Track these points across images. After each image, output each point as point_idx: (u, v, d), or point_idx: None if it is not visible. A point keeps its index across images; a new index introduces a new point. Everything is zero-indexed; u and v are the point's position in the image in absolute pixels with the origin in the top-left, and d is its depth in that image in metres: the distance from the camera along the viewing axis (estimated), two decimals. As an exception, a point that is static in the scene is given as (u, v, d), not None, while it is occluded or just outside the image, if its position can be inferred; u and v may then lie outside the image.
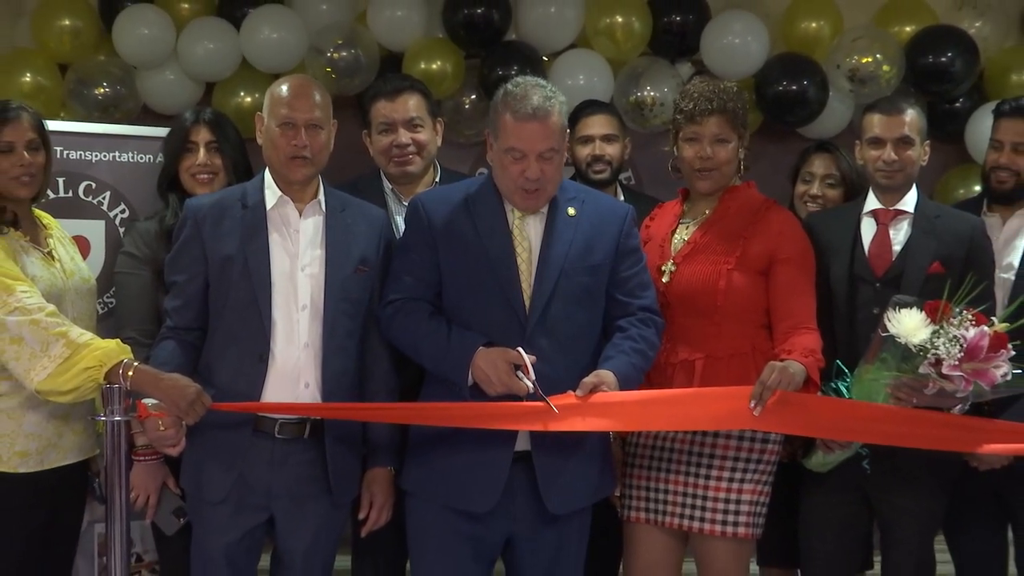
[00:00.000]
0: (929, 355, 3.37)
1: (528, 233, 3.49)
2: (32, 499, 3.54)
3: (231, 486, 3.45)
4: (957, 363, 3.34)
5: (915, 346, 3.38)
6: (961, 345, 3.33)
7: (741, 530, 3.63)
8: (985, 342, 3.35)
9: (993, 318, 3.47)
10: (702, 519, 3.65)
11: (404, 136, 3.97)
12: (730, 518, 3.63)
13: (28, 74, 5.22)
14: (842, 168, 4.36)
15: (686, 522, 3.67)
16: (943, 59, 5.24)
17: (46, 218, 3.75)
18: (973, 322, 3.37)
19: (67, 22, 5.32)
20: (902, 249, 3.81)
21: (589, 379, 3.34)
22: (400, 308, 3.50)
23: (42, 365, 3.32)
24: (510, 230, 3.48)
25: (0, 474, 3.47)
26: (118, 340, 3.46)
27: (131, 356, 3.37)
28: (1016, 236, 3.98)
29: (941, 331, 3.37)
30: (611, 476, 3.74)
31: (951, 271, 3.64)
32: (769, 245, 3.68)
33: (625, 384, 3.39)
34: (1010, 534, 4.15)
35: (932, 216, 3.83)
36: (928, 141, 3.91)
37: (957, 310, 3.41)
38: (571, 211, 3.51)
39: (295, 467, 3.48)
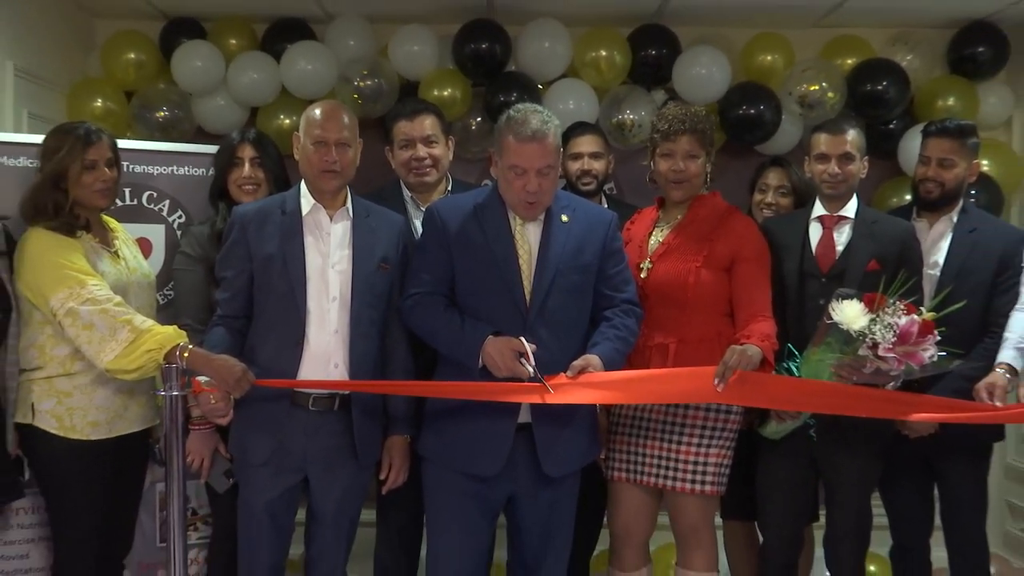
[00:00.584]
0: (867, 340, 3.40)
1: (528, 237, 3.49)
2: (101, 462, 3.54)
3: (272, 451, 3.46)
4: (891, 346, 3.38)
5: (855, 332, 3.41)
6: (895, 331, 3.37)
7: (708, 488, 3.66)
8: (915, 329, 3.37)
9: (922, 308, 3.49)
10: (674, 478, 3.67)
11: (422, 151, 3.95)
12: (698, 477, 3.65)
13: (99, 100, 5.20)
14: (793, 180, 4.34)
15: (661, 480, 3.70)
16: (879, 87, 5.21)
17: (112, 223, 3.74)
18: (905, 312, 3.40)
19: (132, 55, 5.29)
20: (844, 249, 3.79)
21: (578, 362, 3.37)
22: (419, 301, 3.50)
23: (110, 348, 3.33)
24: (513, 234, 3.48)
25: (75, 440, 3.46)
26: (175, 326, 3.46)
27: (187, 340, 3.38)
28: (941, 238, 3.95)
29: (877, 319, 3.40)
30: (597, 442, 3.74)
31: (886, 268, 3.66)
32: (732, 246, 3.67)
33: (609, 366, 3.41)
34: (936, 492, 4.12)
35: (870, 221, 3.83)
36: (867, 157, 3.90)
37: (891, 301, 3.43)
38: (564, 218, 3.51)
39: (326, 435, 3.49)
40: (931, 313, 3.49)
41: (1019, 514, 5.25)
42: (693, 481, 3.66)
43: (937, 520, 4.14)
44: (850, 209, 3.84)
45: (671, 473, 3.68)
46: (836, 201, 3.84)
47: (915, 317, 3.40)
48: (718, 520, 4.09)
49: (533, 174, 3.36)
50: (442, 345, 3.52)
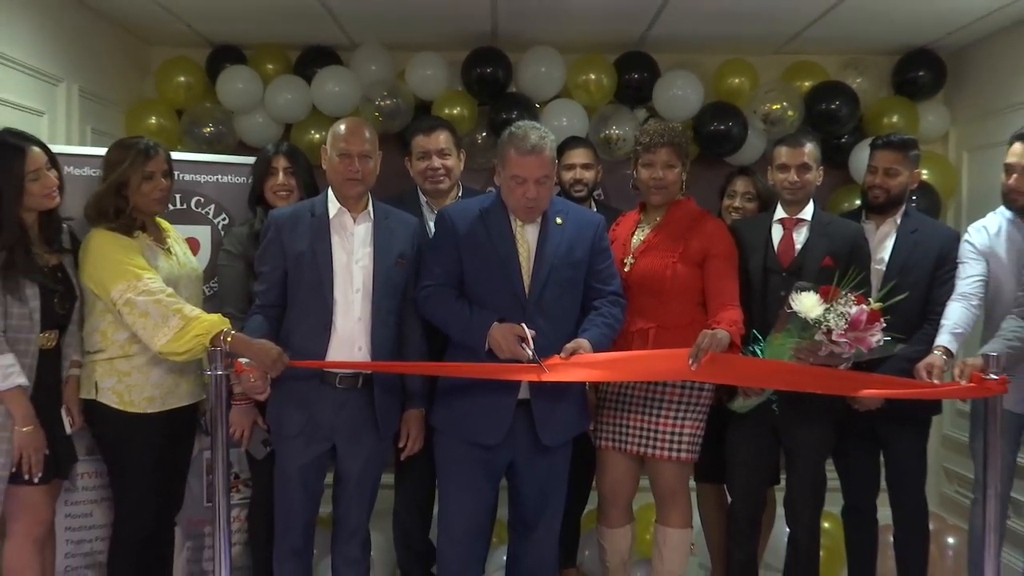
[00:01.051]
0: (822, 326, 3.42)
1: (527, 237, 3.50)
2: (156, 432, 3.56)
3: (303, 423, 3.48)
4: (843, 332, 3.39)
5: (812, 320, 3.42)
6: (846, 319, 3.38)
7: (683, 455, 3.68)
8: (864, 317, 3.38)
9: (870, 299, 3.49)
10: (654, 447, 3.69)
11: (436, 162, 3.95)
12: (675, 446, 3.67)
13: (153, 117, 5.19)
14: (757, 187, 4.34)
15: (642, 449, 3.71)
16: (833, 106, 5.19)
17: (165, 224, 3.75)
18: (855, 302, 3.41)
19: (182, 78, 5.28)
20: (802, 248, 3.78)
21: (570, 344, 3.38)
22: (432, 292, 3.51)
23: (163, 333, 3.36)
24: (514, 235, 3.49)
25: (133, 414, 3.49)
26: (220, 315, 3.46)
27: (229, 326, 3.39)
28: (886, 238, 3.94)
29: (831, 309, 3.42)
30: (587, 416, 3.74)
31: (838, 264, 3.67)
32: (704, 244, 3.68)
33: (597, 348, 3.41)
34: (882, 458, 4.11)
35: (825, 223, 3.82)
36: (822, 167, 3.88)
37: (843, 293, 3.45)
38: (558, 220, 3.52)
39: (351, 409, 3.50)
40: (878, 303, 3.50)
41: (954, 478, 5.25)
42: (670, 449, 3.67)
43: (883, 483, 4.13)
44: (807, 212, 3.82)
45: (651, 442, 3.69)
46: (795, 206, 3.82)
47: (864, 307, 3.41)
48: (692, 483, 4.10)
49: (532, 183, 3.38)
50: (452, 330, 3.52)
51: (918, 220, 4.02)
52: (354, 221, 3.53)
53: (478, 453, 3.50)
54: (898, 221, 3.96)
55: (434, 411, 3.62)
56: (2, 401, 3.23)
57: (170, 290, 3.44)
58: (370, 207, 3.57)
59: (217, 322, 3.39)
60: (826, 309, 3.42)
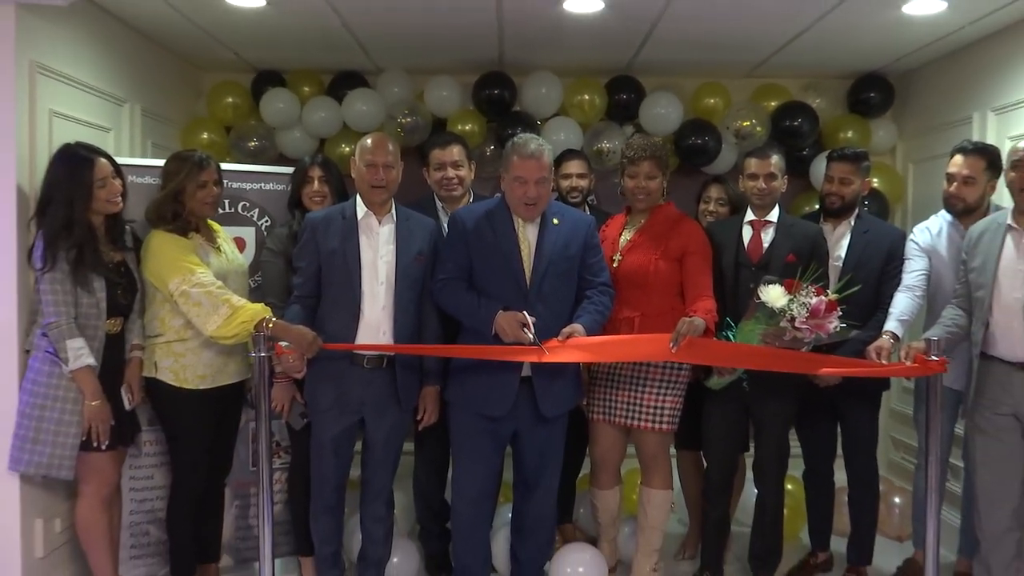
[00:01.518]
0: (787, 314, 3.41)
1: (528, 236, 3.50)
2: (206, 406, 3.57)
3: (335, 398, 3.49)
4: (805, 320, 3.38)
5: (778, 309, 3.42)
6: (807, 308, 3.38)
7: (664, 426, 3.69)
8: (823, 306, 3.38)
9: (828, 291, 3.47)
10: (639, 418, 3.70)
11: (451, 172, 3.95)
12: (657, 418, 3.68)
13: (205, 133, 5.19)
14: (729, 193, 4.33)
15: (629, 421, 3.72)
16: (795, 123, 5.18)
17: (215, 226, 3.75)
18: (815, 293, 3.40)
19: (230, 99, 5.28)
20: (769, 246, 3.77)
21: (567, 329, 3.38)
22: (446, 284, 3.51)
23: (213, 320, 3.37)
24: (516, 233, 3.49)
25: (187, 390, 3.51)
26: (263, 304, 3.47)
27: (271, 314, 3.40)
28: (842, 237, 3.93)
29: (794, 299, 3.41)
30: (581, 391, 3.74)
31: (801, 260, 3.66)
32: (683, 243, 3.67)
33: (590, 332, 3.41)
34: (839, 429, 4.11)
35: (789, 224, 3.81)
36: (787, 176, 3.87)
37: (805, 286, 3.42)
38: (555, 221, 3.53)
39: (377, 386, 3.50)
40: (835, 294, 3.49)
41: (900, 446, 5.25)
42: (654, 421, 3.68)
43: (839, 450, 4.13)
44: (774, 215, 3.81)
45: (637, 415, 3.70)
46: (763, 209, 3.81)
47: (823, 298, 3.40)
48: (673, 451, 4.09)
49: (532, 183, 3.40)
50: (464, 317, 3.51)
51: (869, 222, 4.02)
52: (379, 223, 3.53)
53: (486, 424, 3.51)
54: (852, 223, 3.95)
55: (448, 388, 3.61)
56: (73, 379, 3.24)
57: (220, 283, 3.45)
58: (393, 211, 3.57)
59: (260, 310, 3.39)
60: (790, 300, 3.42)
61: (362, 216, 3.52)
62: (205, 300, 3.38)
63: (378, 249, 3.50)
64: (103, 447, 3.33)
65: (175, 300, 3.41)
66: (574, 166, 4.36)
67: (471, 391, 3.51)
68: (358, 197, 3.56)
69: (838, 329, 3.47)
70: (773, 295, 3.45)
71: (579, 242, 3.53)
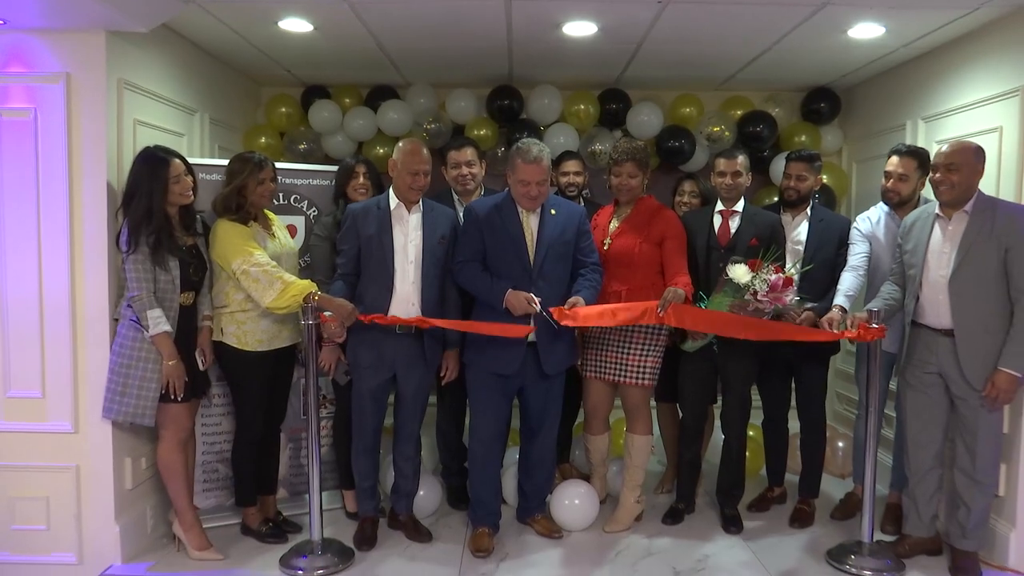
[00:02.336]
0: (750, 288, 3.38)
1: (531, 225, 3.50)
2: (263, 365, 3.58)
3: (374, 358, 3.51)
4: (765, 293, 3.33)
5: (743, 284, 3.40)
6: (768, 284, 3.33)
7: (646, 381, 3.70)
8: (780, 282, 3.36)
9: (785, 269, 3.45)
10: (625, 375, 3.70)
11: (464, 171, 3.94)
12: (640, 375, 3.69)
13: (263, 138, 5.16)
14: (700, 188, 4.29)
15: (616, 377, 3.73)
16: (758, 129, 5.13)
17: (271, 215, 3.73)
18: (774, 271, 3.38)
19: (283, 109, 5.25)
20: (735, 232, 3.74)
21: (571, 300, 3.40)
22: (464, 265, 3.51)
23: (269, 294, 3.38)
24: (521, 222, 3.49)
25: (248, 352, 3.52)
26: (310, 280, 3.46)
27: (316, 288, 3.40)
28: (800, 224, 3.90)
29: (757, 276, 3.37)
30: (576, 352, 3.74)
31: (762, 243, 3.64)
32: (662, 229, 3.66)
33: (588, 302, 3.42)
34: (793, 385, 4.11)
35: (752, 213, 3.79)
36: (751, 173, 3.84)
37: (766, 265, 3.40)
38: (553, 211, 3.54)
39: (407, 348, 3.52)
40: (792, 272, 3.46)
41: (843, 399, 5.23)
42: (637, 377, 3.68)
43: (792, 402, 4.11)
44: (739, 206, 3.78)
45: (623, 372, 3.70)
46: (730, 201, 3.78)
47: (781, 275, 3.38)
48: (653, 403, 4.09)
49: (534, 184, 3.40)
50: (479, 294, 3.51)
51: (822, 212, 3.98)
52: (408, 212, 3.52)
53: (497, 380, 3.52)
54: (808, 213, 3.91)
55: (466, 352, 3.62)
56: (153, 342, 3.25)
57: (274, 263, 3.43)
58: (420, 203, 3.56)
59: (307, 285, 3.39)
60: (753, 276, 3.40)
61: (395, 207, 3.51)
62: (262, 277, 3.38)
63: (408, 235, 3.50)
64: (179, 399, 3.34)
65: (237, 277, 3.40)
66: (571, 165, 4.33)
67: (485, 354, 3.51)
68: (391, 191, 3.55)
69: (794, 301, 3.46)
70: (739, 272, 3.43)
71: (573, 229, 3.53)
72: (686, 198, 4.31)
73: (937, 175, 3.30)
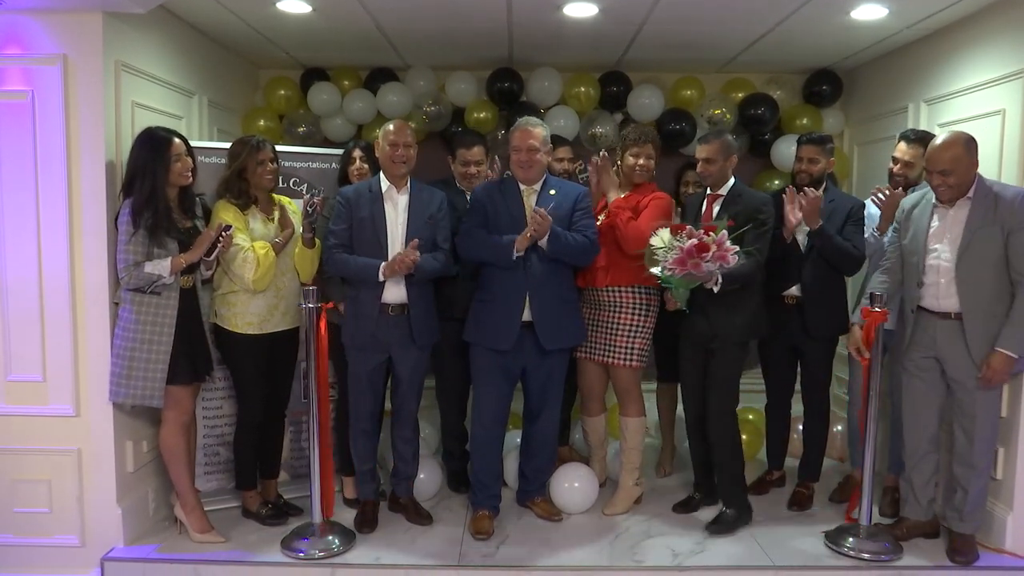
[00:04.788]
0: (660, 252, 3.38)
1: (531, 203, 3.57)
2: (258, 348, 3.62)
3: (368, 339, 3.54)
4: (675, 259, 3.30)
5: (655, 248, 3.41)
6: (678, 251, 3.29)
7: (634, 363, 3.79)
8: (693, 249, 3.26)
9: (713, 232, 3.32)
10: (614, 356, 3.79)
11: (473, 169, 3.98)
12: (628, 356, 3.79)
13: (262, 121, 5.13)
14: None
15: (606, 358, 3.81)
16: (759, 112, 5.12)
17: (284, 199, 3.76)
18: (687, 237, 3.31)
19: (282, 92, 5.23)
20: (716, 215, 3.64)
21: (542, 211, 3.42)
22: (469, 232, 3.59)
23: (247, 270, 3.48)
24: (523, 200, 3.56)
25: (240, 334, 3.57)
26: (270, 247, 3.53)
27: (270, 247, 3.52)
28: None
29: (669, 242, 3.37)
30: (583, 331, 3.80)
31: (738, 224, 3.49)
32: (647, 203, 3.75)
33: (553, 235, 3.45)
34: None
35: (737, 195, 3.67)
36: (733, 157, 3.70)
37: (680, 235, 3.34)
38: (552, 192, 3.61)
39: (400, 329, 3.55)
40: (711, 238, 3.30)
41: (843, 383, 5.23)
42: (626, 359, 3.77)
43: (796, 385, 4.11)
44: (725, 189, 3.69)
45: (612, 354, 3.79)
46: (712, 186, 3.73)
47: (695, 241, 3.27)
48: (653, 386, 4.12)
49: (524, 151, 3.50)
50: (487, 254, 3.54)
51: (835, 193, 3.90)
52: (398, 193, 3.57)
53: (499, 360, 3.58)
54: (821, 195, 3.84)
55: (466, 330, 3.66)
56: (173, 271, 3.26)
57: (247, 244, 3.48)
58: (409, 184, 3.60)
59: (262, 244, 3.49)
60: (668, 242, 3.36)
61: (385, 189, 3.56)
62: (237, 256, 3.46)
63: (398, 215, 3.55)
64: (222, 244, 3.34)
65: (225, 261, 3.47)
66: (562, 151, 4.35)
67: (484, 330, 3.57)
68: (381, 174, 3.60)
69: (717, 268, 3.34)
70: (660, 237, 3.40)
71: (569, 205, 3.58)
72: (690, 188, 4.34)
73: (934, 180, 3.30)
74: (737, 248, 3.33)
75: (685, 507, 3.95)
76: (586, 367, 3.92)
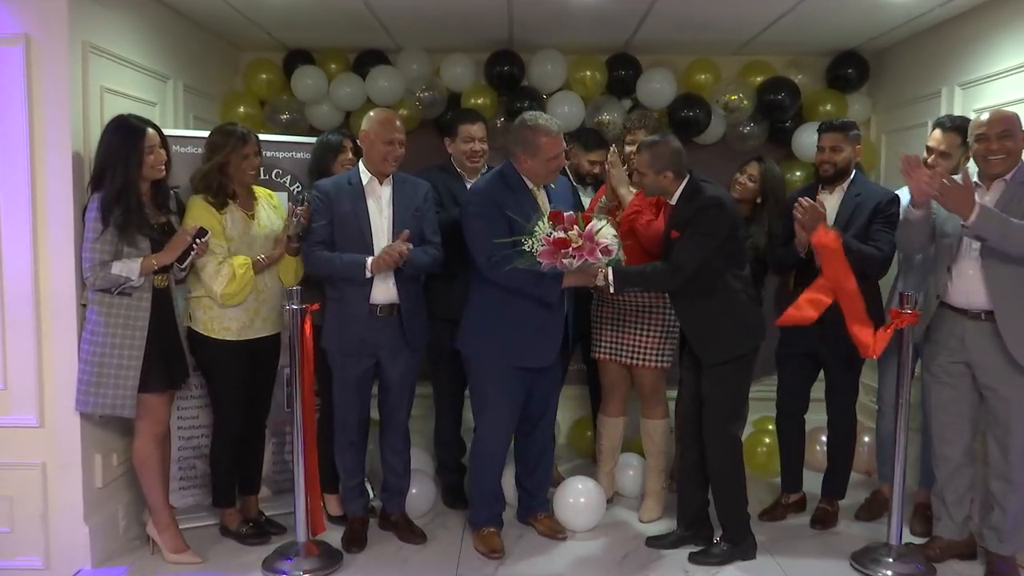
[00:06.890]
0: (527, 243, 3.23)
1: (543, 201, 3.57)
2: (236, 356, 3.58)
3: (356, 343, 3.52)
4: (542, 248, 3.18)
5: (523, 238, 3.24)
6: (543, 243, 3.17)
7: (665, 363, 3.92)
8: (551, 243, 3.17)
9: (577, 227, 3.21)
10: (644, 359, 3.90)
11: (478, 146, 3.97)
12: (659, 357, 3.90)
13: (242, 107, 5.10)
14: (761, 172, 4.17)
15: (633, 360, 3.91)
16: (779, 97, 5.08)
17: (262, 192, 3.74)
18: (554, 230, 3.21)
19: (264, 76, 5.21)
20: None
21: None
22: (513, 269, 3.31)
23: (218, 282, 3.45)
24: (533, 195, 3.51)
25: (217, 340, 3.54)
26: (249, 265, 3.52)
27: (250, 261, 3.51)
28: (837, 203, 3.80)
29: (535, 234, 3.23)
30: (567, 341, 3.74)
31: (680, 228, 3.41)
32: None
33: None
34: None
35: (687, 198, 3.46)
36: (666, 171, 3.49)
37: (551, 227, 3.23)
38: (552, 186, 3.63)
39: (389, 331, 3.54)
40: (573, 234, 3.19)
41: (869, 390, 5.19)
42: (657, 360, 3.88)
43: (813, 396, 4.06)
44: (675, 199, 3.50)
45: (641, 355, 3.88)
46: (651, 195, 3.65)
47: (555, 235, 3.18)
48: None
49: (558, 157, 3.49)
50: (531, 290, 3.41)
51: (862, 185, 3.85)
52: (381, 186, 3.56)
53: (522, 375, 3.56)
54: (845, 188, 3.81)
55: (481, 346, 3.55)
56: (143, 272, 3.24)
57: (225, 253, 3.47)
58: (391, 176, 3.59)
59: (244, 259, 3.49)
60: (535, 232, 3.24)
61: (367, 182, 3.54)
62: (210, 264, 3.44)
63: (382, 209, 3.54)
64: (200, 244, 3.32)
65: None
66: (597, 155, 4.35)
67: (515, 349, 3.48)
68: (361, 165, 3.58)
69: (575, 262, 3.21)
70: (541, 227, 3.28)
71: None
72: (744, 179, 4.20)
73: (992, 145, 3.24)
74: (609, 243, 3.22)
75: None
76: (609, 367, 4.01)
